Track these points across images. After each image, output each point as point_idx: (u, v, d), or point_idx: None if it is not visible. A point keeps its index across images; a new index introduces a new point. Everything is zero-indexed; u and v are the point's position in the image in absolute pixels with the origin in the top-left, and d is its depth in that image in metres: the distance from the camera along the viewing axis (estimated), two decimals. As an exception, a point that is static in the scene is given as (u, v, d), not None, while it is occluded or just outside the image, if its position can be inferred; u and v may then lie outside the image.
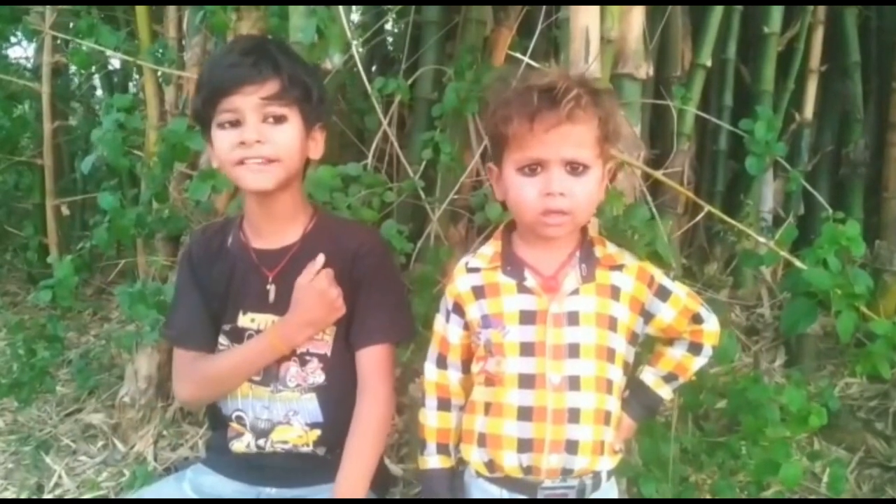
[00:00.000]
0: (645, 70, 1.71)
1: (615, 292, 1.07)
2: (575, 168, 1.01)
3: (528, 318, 1.06)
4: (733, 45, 2.51)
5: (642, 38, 1.70)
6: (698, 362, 1.18)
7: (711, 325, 1.15)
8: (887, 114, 2.55)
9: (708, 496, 1.60)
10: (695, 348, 1.16)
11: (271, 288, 1.24)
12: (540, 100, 0.98)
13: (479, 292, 1.09)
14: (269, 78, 1.14)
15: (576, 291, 1.06)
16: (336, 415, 1.22)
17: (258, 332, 1.24)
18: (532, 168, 1.02)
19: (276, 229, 1.25)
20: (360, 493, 1.14)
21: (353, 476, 1.15)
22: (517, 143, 1.01)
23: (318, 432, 1.22)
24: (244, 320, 1.26)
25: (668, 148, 2.27)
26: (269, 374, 1.23)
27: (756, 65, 2.49)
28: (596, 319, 1.05)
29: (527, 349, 1.05)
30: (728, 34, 2.48)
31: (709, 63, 2.31)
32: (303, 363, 1.23)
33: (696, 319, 1.14)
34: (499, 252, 1.11)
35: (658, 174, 1.71)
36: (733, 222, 1.63)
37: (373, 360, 1.21)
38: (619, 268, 1.09)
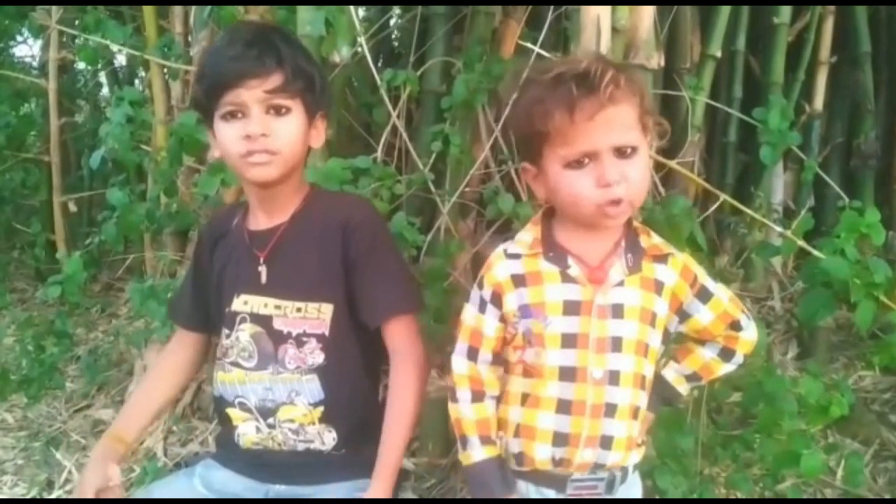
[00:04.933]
0: (656, 60, 1.70)
1: (658, 287, 1.03)
2: (623, 152, 0.96)
3: (572, 308, 1.01)
4: (743, 36, 2.48)
5: (653, 27, 1.68)
6: (726, 368, 1.14)
7: (749, 333, 1.11)
8: (898, 105, 2.54)
9: (723, 490, 1.59)
10: (726, 354, 1.12)
11: (263, 269, 1.23)
12: (578, 88, 0.93)
13: (519, 280, 1.04)
14: (273, 71, 1.13)
15: (621, 283, 1.02)
16: (338, 391, 1.21)
17: (250, 315, 1.23)
18: (580, 161, 0.96)
19: (271, 210, 1.25)
20: (399, 454, 1.15)
21: (395, 438, 1.15)
22: (560, 138, 0.96)
23: (321, 409, 1.21)
24: (237, 303, 1.25)
25: (677, 139, 2.25)
26: (266, 357, 1.22)
27: (766, 56, 2.46)
28: (640, 314, 1.01)
29: (569, 341, 1.01)
30: (738, 25, 2.45)
31: (718, 54, 2.29)
32: (300, 344, 1.21)
33: (735, 326, 1.09)
34: (538, 238, 1.06)
35: (672, 163, 1.70)
36: (750, 212, 1.61)
37: (400, 331, 1.20)
38: (664, 259, 1.05)
